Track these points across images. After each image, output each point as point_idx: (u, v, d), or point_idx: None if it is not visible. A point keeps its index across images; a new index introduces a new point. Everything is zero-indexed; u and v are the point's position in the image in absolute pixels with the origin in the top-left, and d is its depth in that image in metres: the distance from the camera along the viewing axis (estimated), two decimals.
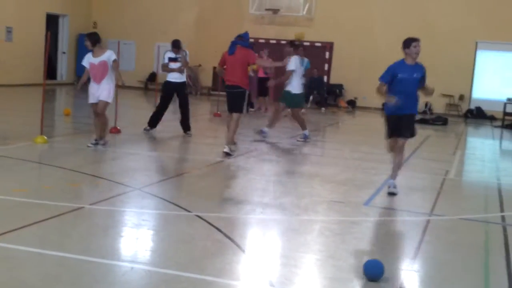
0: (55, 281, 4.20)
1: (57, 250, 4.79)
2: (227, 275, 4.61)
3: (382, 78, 7.48)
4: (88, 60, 9.69)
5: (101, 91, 9.57)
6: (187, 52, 12.11)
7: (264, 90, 17.78)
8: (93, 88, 9.67)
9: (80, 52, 25.21)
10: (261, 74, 17.53)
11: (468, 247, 5.76)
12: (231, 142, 10.03)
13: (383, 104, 7.78)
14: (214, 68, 19.71)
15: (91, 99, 9.72)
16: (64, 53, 25.08)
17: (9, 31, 21.83)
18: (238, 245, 5.29)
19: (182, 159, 9.78)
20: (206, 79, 24.47)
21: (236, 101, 9.88)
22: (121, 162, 9.11)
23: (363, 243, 5.68)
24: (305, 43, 22.68)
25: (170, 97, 11.91)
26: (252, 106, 17.73)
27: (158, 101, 12.22)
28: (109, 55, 9.60)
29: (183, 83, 11.86)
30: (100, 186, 7.27)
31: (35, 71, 22.09)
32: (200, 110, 17.96)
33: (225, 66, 9.95)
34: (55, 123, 13.05)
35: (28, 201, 6.24)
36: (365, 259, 4.82)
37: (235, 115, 9.94)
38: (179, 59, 11.69)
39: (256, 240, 5.68)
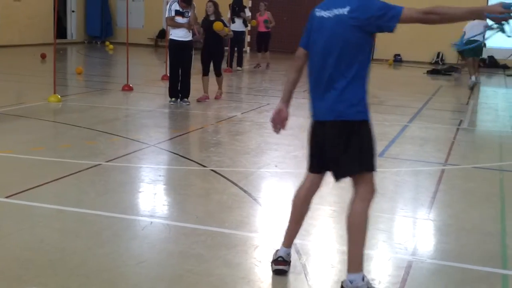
0: (75, 236, 4.28)
1: (76, 206, 4.87)
2: (245, 227, 4.67)
3: (301, 40, 3.82)
4: None
5: None
6: (194, 5, 10.35)
7: (265, 45, 17.04)
8: None
9: (89, 11, 25.08)
10: (261, 29, 16.94)
11: (484, 196, 5.78)
12: None
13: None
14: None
15: None
16: (73, 11, 24.92)
17: None
18: (254, 199, 5.35)
19: (195, 115, 9.78)
20: None
21: None
22: (135, 119, 9.14)
23: (378, 193, 5.67)
24: None
25: (177, 58, 10.26)
26: (240, 65, 16.73)
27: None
28: None
29: (189, 42, 10.20)
30: (116, 143, 7.33)
31: (45, 30, 22.03)
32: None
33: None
34: (68, 81, 13.07)
35: (46, 159, 6.32)
36: (381, 211, 4.85)
37: None
38: (187, 14, 10.09)
39: (272, 193, 5.73)
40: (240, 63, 16.67)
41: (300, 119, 9.46)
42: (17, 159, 6.29)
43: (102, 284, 3.60)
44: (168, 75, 10.57)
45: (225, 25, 10.53)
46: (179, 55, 10.16)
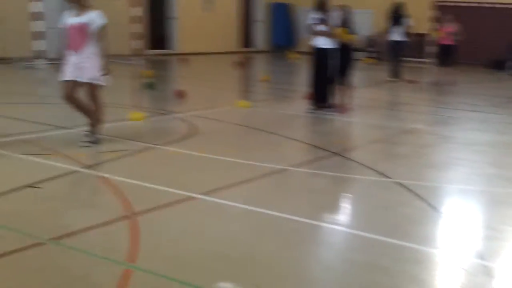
0: (264, 236, 4.46)
1: (265, 208, 5.04)
2: (430, 243, 4.55)
3: None
4: (66, 20, 7.04)
5: (83, 67, 6.93)
6: (339, 12, 10.17)
7: (448, 59, 15.57)
8: (70, 59, 6.98)
9: (274, 21, 25.96)
10: (445, 41, 15.61)
11: None
12: None
13: None
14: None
15: (65, 75, 6.98)
16: (259, 21, 25.96)
17: (209, 1, 23.09)
18: (440, 214, 5.19)
19: (379, 126, 9.71)
20: None
21: None
22: (319, 126, 9.29)
23: None
24: None
25: (318, 65, 10.10)
26: (397, 76, 15.87)
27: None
28: (93, 17, 6.93)
29: (329, 50, 9.97)
30: (301, 149, 7.52)
31: (232, 39, 23.22)
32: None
33: None
34: (254, 88, 13.61)
35: (237, 161, 6.66)
36: None
37: None
38: (328, 21, 9.95)
39: (459, 210, 5.51)
40: (397, 75, 15.91)
41: (486, 134, 9.03)
42: (212, 159, 6.70)
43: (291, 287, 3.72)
44: (311, 82, 10.33)
45: (351, 32, 10.11)
46: (319, 62, 10.02)
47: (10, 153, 6.39)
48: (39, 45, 14.87)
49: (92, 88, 7.08)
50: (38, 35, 14.75)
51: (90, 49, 6.93)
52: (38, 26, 14.68)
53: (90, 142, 7.02)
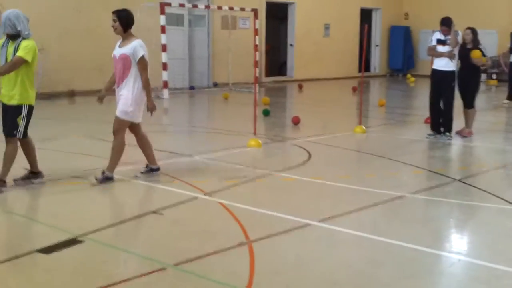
0: (381, 265, 4.36)
1: (382, 235, 4.95)
2: None
3: None
4: (114, 51, 6.64)
5: (119, 99, 6.56)
6: (459, 32, 9.74)
7: None
8: (116, 91, 6.66)
9: (392, 44, 25.63)
10: None
11: None
12: None
13: None
14: None
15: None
16: (377, 46, 25.74)
17: (327, 27, 23.26)
18: None
19: (503, 150, 9.26)
20: None
21: None
22: (439, 151, 9.00)
23: None
24: None
25: (437, 89, 9.74)
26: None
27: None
28: (133, 48, 6.41)
29: (449, 73, 9.57)
30: (419, 175, 7.32)
31: (350, 64, 23.18)
32: None
33: None
34: (371, 113, 13.45)
35: (353, 188, 6.60)
36: None
37: None
38: (448, 41, 9.54)
39: None
40: None
41: None
42: (327, 186, 6.69)
43: None
44: (430, 106, 9.98)
45: (483, 54, 9.70)
46: (439, 85, 9.66)
47: (135, 180, 6.73)
48: (164, 75, 15.72)
49: (118, 123, 6.55)
50: (163, 66, 15.64)
51: (132, 82, 6.46)
52: (163, 57, 15.59)
53: (98, 179, 6.50)
